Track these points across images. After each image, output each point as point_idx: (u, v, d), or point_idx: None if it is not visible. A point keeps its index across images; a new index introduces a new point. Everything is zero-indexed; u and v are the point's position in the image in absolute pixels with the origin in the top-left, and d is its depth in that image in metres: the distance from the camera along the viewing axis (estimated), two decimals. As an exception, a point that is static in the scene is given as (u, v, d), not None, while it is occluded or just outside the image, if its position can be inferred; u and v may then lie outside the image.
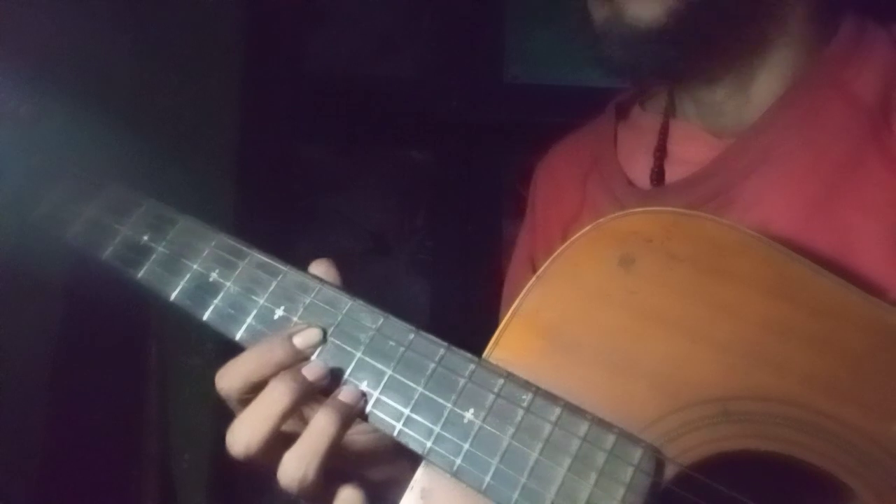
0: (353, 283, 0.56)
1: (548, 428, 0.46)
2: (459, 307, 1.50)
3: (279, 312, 0.53)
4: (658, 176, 0.63)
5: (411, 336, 0.50)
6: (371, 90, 1.54)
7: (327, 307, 0.52)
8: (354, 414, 0.49)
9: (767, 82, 0.60)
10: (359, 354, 0.51)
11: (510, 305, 0.68)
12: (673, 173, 0.63)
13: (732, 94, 0.60)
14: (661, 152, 0.64)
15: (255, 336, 0.53)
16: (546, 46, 1.59)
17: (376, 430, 0.52)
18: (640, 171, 0.65)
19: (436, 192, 1.61)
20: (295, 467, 0.47)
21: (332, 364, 0.51)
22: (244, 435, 0.48)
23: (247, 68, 1.30)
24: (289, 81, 1.48)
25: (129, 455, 1.10)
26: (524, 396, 0.47)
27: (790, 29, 0.59)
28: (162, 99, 1.07)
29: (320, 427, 0.48)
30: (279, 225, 1.38)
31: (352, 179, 1.58)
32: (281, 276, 0.54)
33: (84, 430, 0.99)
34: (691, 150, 0.62)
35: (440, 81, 1.59)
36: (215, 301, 0.55)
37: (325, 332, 0.51)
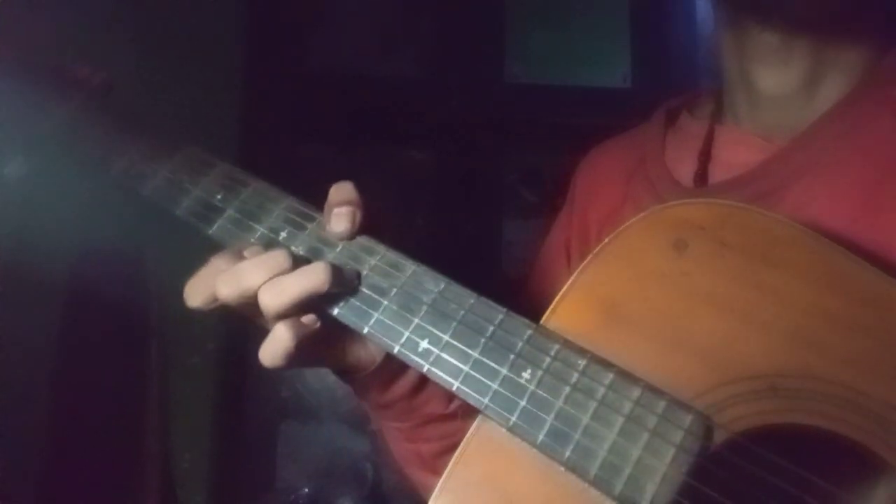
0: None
1: (601, 390, 0.48)
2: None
3: None
4: (701, 178, 0.65)
5: (472, 300, 0.52)
6: (371, 90, 1.54)
7: (391, 269, 0.54)
8: (346, 283, 0.53)
9: (831, 86, 0.61)
10: (421, 314, 0.52)
11: (539, 285, 0.70)
12: (717, 176, 0.64)
13: (800, 89, 0.61)
14: (705, 156, 0.65)
15: None
16: (546, 46, 1.60)
17: None
18: (685, 173, 0.66)
19: (436, 192, 1.62)
20: (270, 296, 0.51)
21: (393, 324, 0.52)
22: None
23: (247, 68, 1.31)
24: (289, 81, 1.48)
25: (131, 454, 1.10)
26: (579, 361, 0.49)
27: (862, 38, 0.61)
28: (162, 98, 1.07)
29: (310, 275, 0.51)
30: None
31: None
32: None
33: (85, 430, 0.99)
34: (739, 154, 0.63)
35: (440, 81, 1.60)
36: None
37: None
